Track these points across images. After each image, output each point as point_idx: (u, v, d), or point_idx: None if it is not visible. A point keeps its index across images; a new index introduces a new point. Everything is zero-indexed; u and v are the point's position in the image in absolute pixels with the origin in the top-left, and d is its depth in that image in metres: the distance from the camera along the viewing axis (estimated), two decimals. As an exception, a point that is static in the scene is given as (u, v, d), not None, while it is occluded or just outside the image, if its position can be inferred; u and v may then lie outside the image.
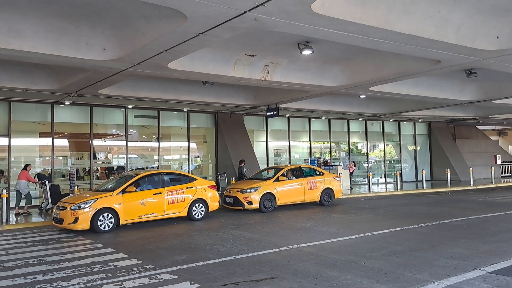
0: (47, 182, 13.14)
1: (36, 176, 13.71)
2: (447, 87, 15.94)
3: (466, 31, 8.95)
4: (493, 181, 22.71)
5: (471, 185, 21.27)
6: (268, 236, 8.97)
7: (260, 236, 8.98)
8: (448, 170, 21.69)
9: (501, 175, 26.44)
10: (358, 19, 7.43)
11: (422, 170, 22.35)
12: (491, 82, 15.78)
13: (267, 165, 20.15)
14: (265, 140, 21.21)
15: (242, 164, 17.14)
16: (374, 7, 7.57)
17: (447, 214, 11.55)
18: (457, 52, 9.66)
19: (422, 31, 8.34)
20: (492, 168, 23.48)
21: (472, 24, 8.93)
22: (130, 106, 16.86)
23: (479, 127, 29.87)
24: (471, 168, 22.40)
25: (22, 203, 13.10)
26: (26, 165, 13.25)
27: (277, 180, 13.26)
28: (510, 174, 24.99)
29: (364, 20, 7.52)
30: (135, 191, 10.47)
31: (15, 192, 13.08)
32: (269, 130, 21.31)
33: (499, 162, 26.88)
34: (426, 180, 22.19)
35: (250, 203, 12.58)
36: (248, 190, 12.69)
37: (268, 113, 16.89)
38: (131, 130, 17.85)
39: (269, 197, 12.85)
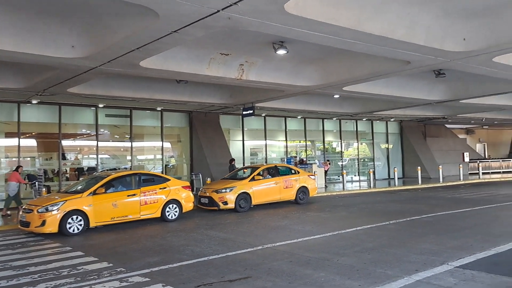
0: (36, 183, 12.78)
1: (26, 177, 13.29)
2: (417, 87, 16.38)
3: (434, 32, 9.22)
4: (461, 178, 23.52)
5: (441, 182, 21.95)
6: (243, 236, 8.99)
7: (235, 236, 8.99)
8: (419, 167, 22.29)
9: (469, 172, 27.35)
10: (331, 19, 7.54)
11: (394, 168, 22.90)
12: (459, 83, 16.32)
13: (243, 165, 20.16)
14: (241, 139, 21.21)
15: (233, 163, 17.43)
16: (347, 7, 7.70)
17: (418, 211, 11.88)
18: (426, 53, 9.94)
19: (393, 32, 8.55)
20: (460, 165, 24.32)
21: (441, 26, 9.21)
22: (101, 105, 16.51)
23: (448, 126, 30.84)
24: (440, 166, 23.12)
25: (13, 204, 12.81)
26: (18, 167, 12.89)
27: (252, 179, 13.29)
28: (477, 172, 25.93)
29: (337, 21, 7.65)
30: (106, 192, 10.27)
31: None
32: (245, 129, 21.32)
33: (467, 159, 27.81)
34: (398, 178, 22.74)
35: (225, 203, 12.57)
36: (223, 190, 12.67)
37: (244, 112, 16.90)
38: (102, 130, 17.49)
39: (244, 197, 12.86)
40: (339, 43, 8.88)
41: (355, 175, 25.82)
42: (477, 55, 10.08)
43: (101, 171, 16.11)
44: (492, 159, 33.17)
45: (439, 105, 20.12)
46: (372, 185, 21.00)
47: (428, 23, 8.95)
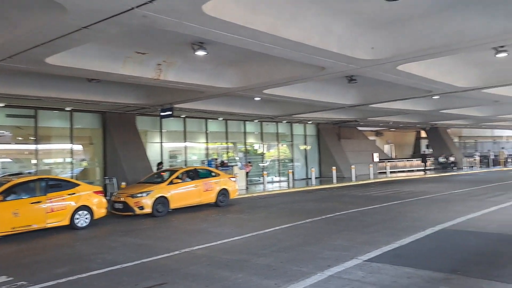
0: None
1: None
2: (332, 92, 17.40)
3: (346, 41, 9.88)
4: (372, 177, 25.44)
5: (353, 181, 23.53)
6: (160, 241, 8.81)
7: (152, 241, 8.77)
8: (334, 167, 23.66)
9: (378, 171, 29.64)
10: (249, 23, 7.72)
11: (312, 168, 24.03)
12: (369, 89, 17.63)
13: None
14: (159, 141, 20.71)
15: (161, 166, 17.12)
16: (264, 13, 7.94)
17: (332, 209, 12.60)
18: (339, 60, 10.60)
19: (308, 39, 9.00)
20: (371, 165, 26.32)
21: (352, 35, 9.90)
22: (1, 104, 15.05)
23: (360, 128, 33.19)
24: (353, 166, 24.77)
25: None
26: None
27: (171, 183, 13.06)
28: (385, 171, 28.25)
29: (255, 25, 7.85)
30: (6, 200, 9.39)
31: None
32: (164, 131, 20.86)
33: (376, 160, 30.14)
34: (315, 178, 23.89)
35: (142, 208, 12.18)
36: (139, 195, 12.27)
37: (162, 113, 16.53)
38: (2, 131, 15.95)
39: (162, 201, 12.58)
40: (258, 46, 9.11)
41: (275, 176, 26.60)
42: (384, 63, 11.00)
43: (1, 176, 14.66)
44: (398, 159, 36.38)
45: (352, 109, 21.56)
46: (291, 185, 21.80)
47: (340, 32, 9.56)
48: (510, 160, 37.98)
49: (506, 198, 14.12)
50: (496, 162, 36.71)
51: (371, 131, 37.76)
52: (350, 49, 10.11)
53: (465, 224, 9.57)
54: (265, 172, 21.20)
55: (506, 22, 8.57)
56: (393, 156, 39.98)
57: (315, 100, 17.15)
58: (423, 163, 33.80)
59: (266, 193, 18.67)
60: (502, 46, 10.01)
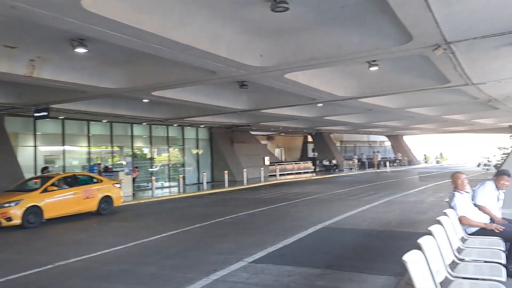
0: None
1: None
2: (225, 96, 17.77)
3: (235, 47, 10.20)
4: (262, 180, 26.57)
5: (245, 184, 24.28)
6: (31, 255, 8.08)
7: (21, 256, 8.00)
8: (226, 171, 24.12)
9: (269, 174, 31.01)
10: (134, 23, 7.53)
11: (203, 172, 24.19)
12: (260, 94, 18.39)
13: (36, 174, 17.95)
14: (33, 145, 18.86)
15: (46, 171, 15.82)
16: (151, 13, 7.83)
17: (222, 213, 12.86)
18: (229, 65, 10.89)
19: (198, 42, 9.09)
20: (262, 168, 27.46)
21: (241, 42, 10.27)
22: None
23: (252, 132, 34.41)
24: (245, 169, 25.56)
25: None
26: None
27: (45, 190, 12.00)
28: (275, 174, 29.72)
29: (141, 25, 7.68)
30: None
31: None
32: (38, 133, 19.08)
33: (267, 163, 31.53)
34: (207, 182, 24.05)
35: (9, 219, 10.98)
36: (7, 205, 11.05)
37: (36, 114, 15.09)
38: None
39: (35, 211, 11.48)
40: (145, 47, 8.93)
41: (165, 181, 26.12)
42: (272, 71, 11.61)
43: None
44: (288, 162, 38.55)
45: (244, 114, 22.26)
46: (182, 191, 21.63)
47: (229, 38, 9.85)
48: (383, 162, 42.85)
49: (377, 197, 15.95)
50: (371, 164, 41.11)
51: (263, 135, 39.42)
52: (240, 55, 10.46)
53: (342, 222, 10.59)
54: (153, 178, 20.71)
55: (376, 40, 9.72)
56: (283, 159, 42.21)
57: (207, 103, 17.31)
58: (313, 166, 36.56)
59: (154, 199, 18.25)
60: (374, 61, 11.31)
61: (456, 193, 5.67)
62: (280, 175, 31.06)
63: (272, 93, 17.44)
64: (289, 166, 35.55)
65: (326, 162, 37.88)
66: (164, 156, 26.92)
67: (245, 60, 10.67)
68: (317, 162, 38.43)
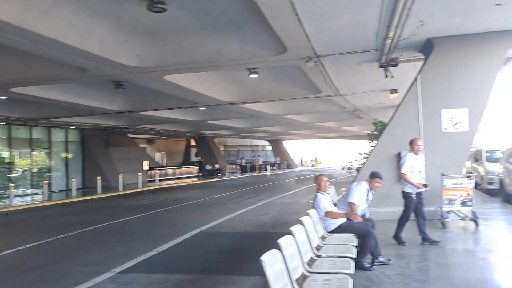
0: None
1: None
2: (98, 96, 16.85)
3: (109, 45, 9.79)
4: (140, 186, 25.77)
5: (120, 190, 23.24)
6: None
7: None
8: (99, 177, 22.82)
9: (148, 179, 30.13)
10: (-14, 10, 6.79)
11: (73, 178, 22.55)
12: (138, 95, 17.86)
13: None
14: None
15: None
16: (8, 2, 7.14)
17: (91, 221, 12.11)
18: (102, 64, 10.40)
19: (65, 37, 8.52)
20: (140, 173, 26.60)
21: (115, 40, 9.90)
22: None
23: (131, 135, 33.11)
24: (121, 175, 24.46)
25: None
26: None
27: None
28: (155, 179, 29.05)
29: (-4, 13, 6.96)
30: None
31: None
32: None
33: (146, 168, 30.62)
34: (77, 189, 22.47)
35: None
36: None
37: None
38: None
39: None
40: (1, 38, 8.08)
41: (28, 188, 23.67)
42: (150, 72, 11.43)
43: None
44: (169, 166, 37.99)
45: (121, 115, 21.37)
46: (47, 198, 19.87)
47: (102, 34, 9.41)
48: (264, 166, 44.95)
49: (256, 199, 16.70)
50: (253, 168, 42.81)
51: (143, 138, 38.20)
52: (114, 53, 10.07)
53: (219, 226, 10.84)
54: (11, 184, 18.65)
55: (255, 48, 10.25)
56: (164, 163, 41.45)
57: (77, 103, 16.24)
58: (200, 170, 36.87)
59: (13, 208, 16.49)
60: (254, 68, 11.88)
61: (319, 194, 6.29)
62: (160, 180, 30.46)
63: (151, 95, 17.11)
64: (170, 171, 35.09)
65: (209, 167, 38.34)
66: (26, 161, 24.37)
67: (121, 59, 10.33)
68: (200, 166, 38.71)
